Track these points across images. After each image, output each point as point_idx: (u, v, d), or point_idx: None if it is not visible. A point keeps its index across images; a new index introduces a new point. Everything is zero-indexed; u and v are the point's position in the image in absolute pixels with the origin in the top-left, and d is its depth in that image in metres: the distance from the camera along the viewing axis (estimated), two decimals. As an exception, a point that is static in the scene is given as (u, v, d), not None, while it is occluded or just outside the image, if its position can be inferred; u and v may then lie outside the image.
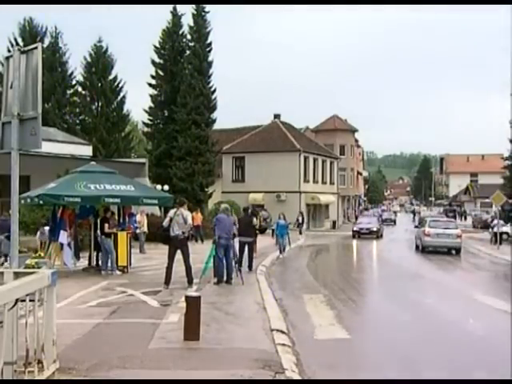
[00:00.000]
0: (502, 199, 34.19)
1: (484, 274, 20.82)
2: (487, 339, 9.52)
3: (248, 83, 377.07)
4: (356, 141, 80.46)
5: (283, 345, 8.30)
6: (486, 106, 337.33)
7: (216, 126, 46.84)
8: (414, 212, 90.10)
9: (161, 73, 43.92)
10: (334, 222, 58.80)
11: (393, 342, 9.24)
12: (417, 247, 29.98)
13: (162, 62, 43.82)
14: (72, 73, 47.25)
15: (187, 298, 8.58)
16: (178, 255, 13.84)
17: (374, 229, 41.08)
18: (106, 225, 16.43)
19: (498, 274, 20.07)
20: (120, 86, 46.44)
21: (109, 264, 16.49)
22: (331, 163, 63.14)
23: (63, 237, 16.03)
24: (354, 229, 42.04)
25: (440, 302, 13.59)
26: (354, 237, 39.94)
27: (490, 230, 37.68)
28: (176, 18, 43.76)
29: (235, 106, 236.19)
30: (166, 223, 13.92)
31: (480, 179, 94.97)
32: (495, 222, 34.48)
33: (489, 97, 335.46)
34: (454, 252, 27.64)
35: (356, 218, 59.90)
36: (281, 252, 24.49)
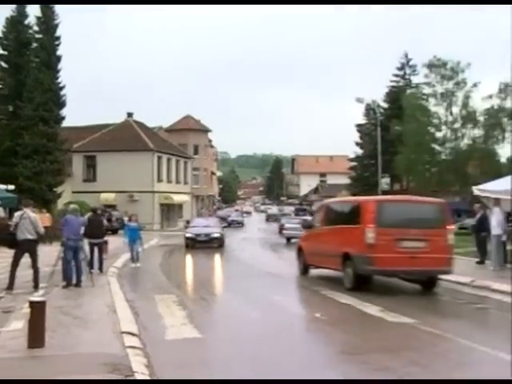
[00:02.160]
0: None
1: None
2: (335, 334, 9.93)
3: (100, 80, 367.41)
4: (209, 141, 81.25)
5: (133, 347, 8.14)
6: (334, 108, 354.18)
7: (65, 124, 45.11)
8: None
9: (4, 65, 41.44)
10: (188, 222, 59.01)
11: (243, 339, 9.38)
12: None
13: (5, 53, 41.34)
14: None
15: (31, 303, 8.16)
16: (23, 258, 13.19)
17: (216, 235, 30.83)
18: None
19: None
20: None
21: None
22: (185, 163, 63.34)
23: None
24: (188, 235, 30.90)
25: (289, 298, 14.05)
26: (187, 246, 30.10)
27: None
28: (21, 6, 41.40)
29: (86, 103, 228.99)
30: (13, 228, 13.27)
31: (328, 179, 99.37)
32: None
33: (337, 100, 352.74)
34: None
35: (187, 221, 43.59)
36: (133, 260, 20.95)
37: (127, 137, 53.27)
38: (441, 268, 14.20)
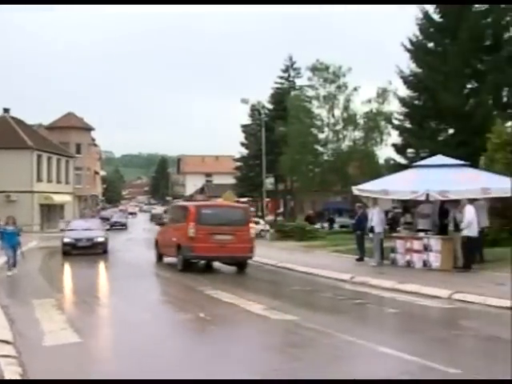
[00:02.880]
0: (232, 198, 36.60)
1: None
2: (219, 333, 9.93)
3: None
4: (93, 139, 79.19)
5: (7, 356, 7.70)
6: (220, 108, 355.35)
7: None
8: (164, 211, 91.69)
9: None
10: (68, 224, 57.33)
11: (125, 341, 9.13)
12: None
13: None
14: None
15: None
16: None
17: (100, 239, 27.47)
18: None
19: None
20: None
21: None
22: (67, 162, 61.59)
23: None
24: (66, 240, 26.76)
25: (173, 298, 13.95)
26: (65, 253, 26.22)
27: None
28: None
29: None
30: None
31: (214, 179, 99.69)
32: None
33: (222, 100, 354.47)
34: None
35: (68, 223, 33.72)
36: (9, 266, 18.41)
37: (3, 134, 50.94)
38: (245, 254, 18.84)
